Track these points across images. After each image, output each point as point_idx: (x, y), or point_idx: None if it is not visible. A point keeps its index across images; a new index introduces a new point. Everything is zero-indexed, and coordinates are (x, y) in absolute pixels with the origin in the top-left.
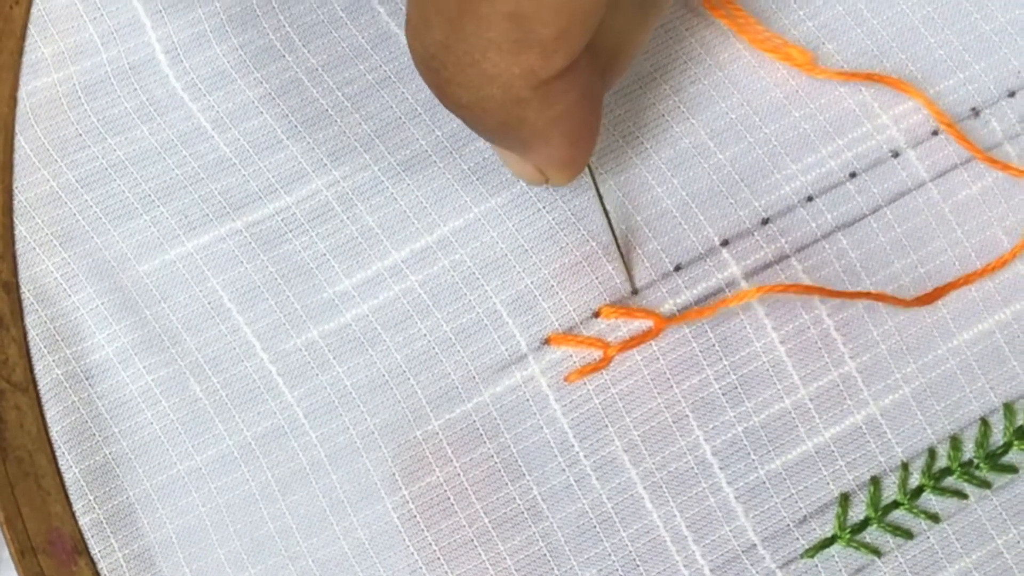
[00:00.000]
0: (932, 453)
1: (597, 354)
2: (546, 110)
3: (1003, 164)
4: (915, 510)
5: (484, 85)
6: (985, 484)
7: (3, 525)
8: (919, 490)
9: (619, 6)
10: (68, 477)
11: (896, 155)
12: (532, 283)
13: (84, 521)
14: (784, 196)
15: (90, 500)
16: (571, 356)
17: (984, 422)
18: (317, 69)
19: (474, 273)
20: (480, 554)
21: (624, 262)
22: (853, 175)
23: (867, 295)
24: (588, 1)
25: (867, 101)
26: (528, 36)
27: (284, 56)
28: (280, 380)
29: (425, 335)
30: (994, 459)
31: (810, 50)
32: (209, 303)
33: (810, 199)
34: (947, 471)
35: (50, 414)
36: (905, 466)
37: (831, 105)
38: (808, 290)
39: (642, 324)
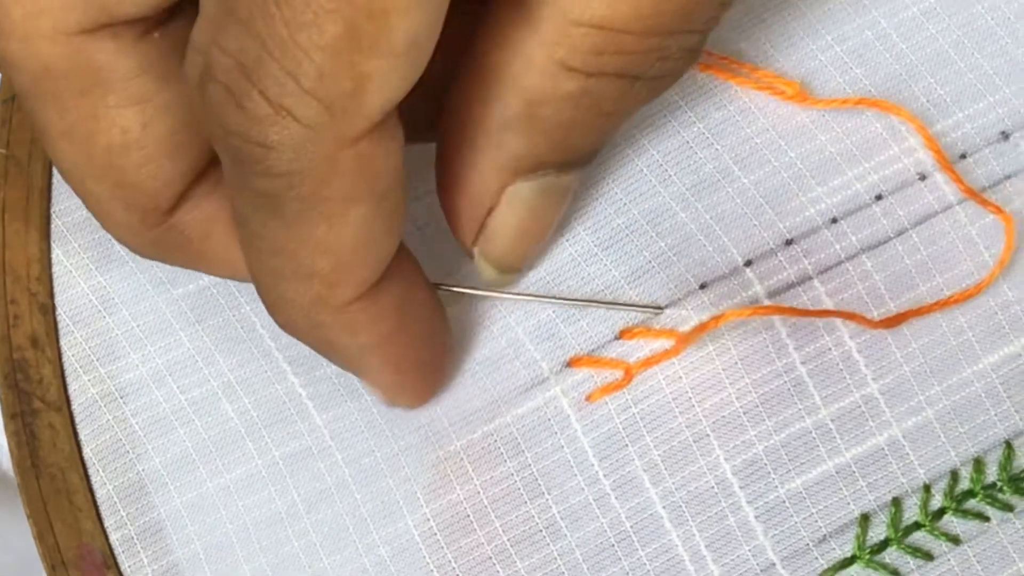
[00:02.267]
0: (955, 475)
1: (619, 374)
2: (352, 338)
3: (986, 201)
4: (936, 532)
5: (286, 309)
6: (1007, 507)
7: (36, 540)
8: (941, 512)
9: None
10: (101, 494)
11: (923, 178)
12: (554, 312)
13: (115, 537)
14: (809, 218)
15: (122, 516)
16: (593, 377)
17: (1008, 445)
18: None
19: (496, 305)
20: (498, 572)
21: (620, 303)
22: (879, 197)
23: (831, 313)
24: (355, 239)
25: (895, 124)
26: (302, 268)
27: None
28: (310, 404)
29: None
30: (1017, 482)
31: (796, 79)
32: (242, 327)
33: (835, 221)
34: (970, 493)
35: (84, 433)
36: (927, 488)
37: (858, 128)
38: (769, 310)
39: (665, 344)
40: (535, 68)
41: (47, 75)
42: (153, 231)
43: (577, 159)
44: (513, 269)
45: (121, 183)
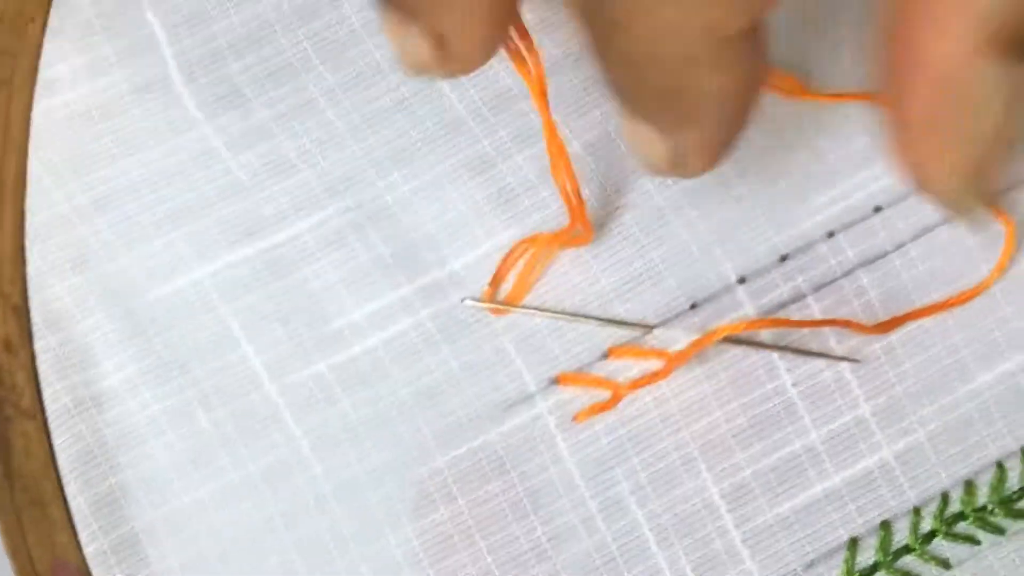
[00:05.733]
0: (945, 498)
1: (607, 394)
2: (717, 76)
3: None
4: (925, 556)
5: (658, 38)
6: (999, 530)
7: (8, 554)
8: (931, 535)
9: None
10: (74, 506)
11: None
12: (542, 323)
13: (89, 551)
14: (805, 231)
15: (95, 530)
16: (580, 396)
17: (1000, 466)
18: (334, 89)
19: (485, 309)
20: None
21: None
22: (878, 209)
23: (823, 322)
24: None
25: None
26: None
27: (300, 75)
28: (287, 413)
29: (432, 371)
30: (1009, 504)
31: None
32: (218, 331)
33: (831, 235)
34: (960, 516)
35: (58, 442)
36: (917, 511)
37: (860, 134)
38: (758, 324)
39: (654, 364)
40: None
41: None
42: None
43: None
44: (985, 190)
45: None
